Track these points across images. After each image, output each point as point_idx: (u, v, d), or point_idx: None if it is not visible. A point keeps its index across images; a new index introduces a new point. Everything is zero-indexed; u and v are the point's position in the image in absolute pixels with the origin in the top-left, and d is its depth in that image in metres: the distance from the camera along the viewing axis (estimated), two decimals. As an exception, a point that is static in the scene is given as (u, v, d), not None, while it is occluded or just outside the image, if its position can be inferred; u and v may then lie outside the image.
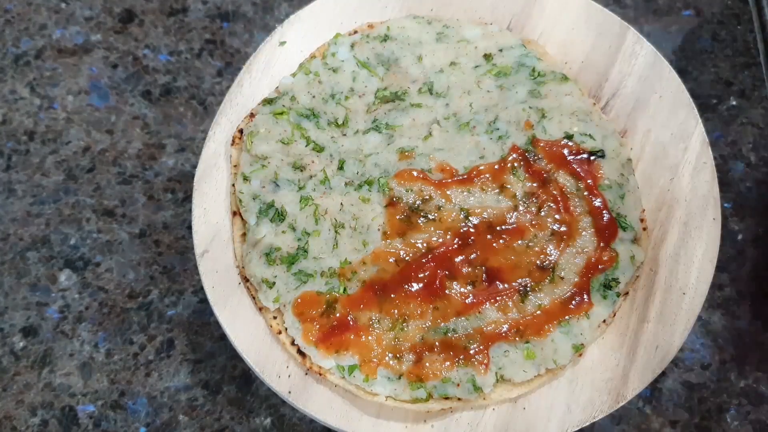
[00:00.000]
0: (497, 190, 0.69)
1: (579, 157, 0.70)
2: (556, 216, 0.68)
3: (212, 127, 0.72)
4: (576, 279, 0.66)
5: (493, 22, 0.77)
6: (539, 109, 0.71)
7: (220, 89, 0.90)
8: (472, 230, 0.68)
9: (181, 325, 0.78)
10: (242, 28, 0.93)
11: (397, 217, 0.68)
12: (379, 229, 0.68)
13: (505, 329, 0.64)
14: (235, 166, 0.71)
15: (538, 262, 0.67)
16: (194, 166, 0.83)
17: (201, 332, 0.78)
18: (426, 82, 0.74)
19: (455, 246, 0.67)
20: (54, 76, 0.90)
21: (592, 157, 0.70)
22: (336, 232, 0.68)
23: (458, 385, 0.62)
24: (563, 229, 0.68)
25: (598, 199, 0.69)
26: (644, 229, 0.69)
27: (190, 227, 0.77)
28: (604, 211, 0.68)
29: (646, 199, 0.70)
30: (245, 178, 0.69)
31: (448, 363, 0.63)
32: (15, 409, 0.75)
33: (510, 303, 0.65)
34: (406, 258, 0.66)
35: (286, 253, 0.67)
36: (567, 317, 0.65)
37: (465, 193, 0.69)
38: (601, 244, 0.67)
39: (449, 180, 0.69)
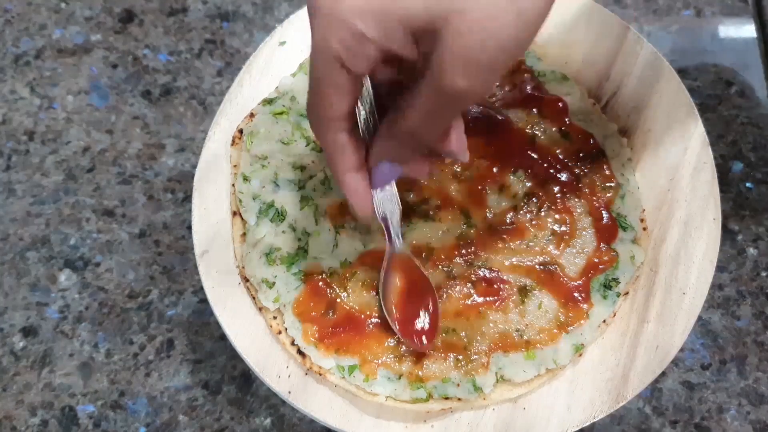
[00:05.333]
0: (497, 190, 0.69)
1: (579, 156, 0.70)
2: (556, 216, 0.68)
3: (212, 127, 0.72)
4: (576, 279, 0.66)
5: (493, 22, 0.77)
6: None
7: (220, 89, 0.90)
8: (472, 230, 0.68)
9: (181, 325, 0.78)
10: (242, 28, 0.93)
11: (397, 216, 0.68)
12: (378, 229, 0.68)
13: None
14: (235, 166, 0.71)
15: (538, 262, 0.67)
16: (194, 166, 0.83)
17: (201, 332, 0.78)
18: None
19: (455, 246, 0.67)
20: (54, 76, 0.90)
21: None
22: (336, 232, 0.68)
23: (458, 385, 0.62)
24: (563, 229, 0.68)
25: (598, 198, 0.69)
26: (644, 229, 0.69)
27: (190, 227, 0.77)
28: (604, 211, 0.68)
29: (646, 199, 0.70)
30: (245, 178, 0.69)
31: (448, 363, 0.63)
32: (15, 409, 0.75)
33: (510, 303, 0.65)
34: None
35: (286, 253, 0.67)
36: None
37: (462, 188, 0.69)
38: (602, 245, 0.67)
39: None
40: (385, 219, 0.61)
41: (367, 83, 0.51)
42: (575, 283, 0.66)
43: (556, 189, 0.69)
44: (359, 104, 0.52)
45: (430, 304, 0.63)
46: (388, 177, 0.55)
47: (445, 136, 0.52)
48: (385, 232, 0.62)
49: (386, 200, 0.59)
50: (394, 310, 0.63)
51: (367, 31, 0.43)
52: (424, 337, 0.62)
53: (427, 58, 0.44)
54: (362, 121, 0.52)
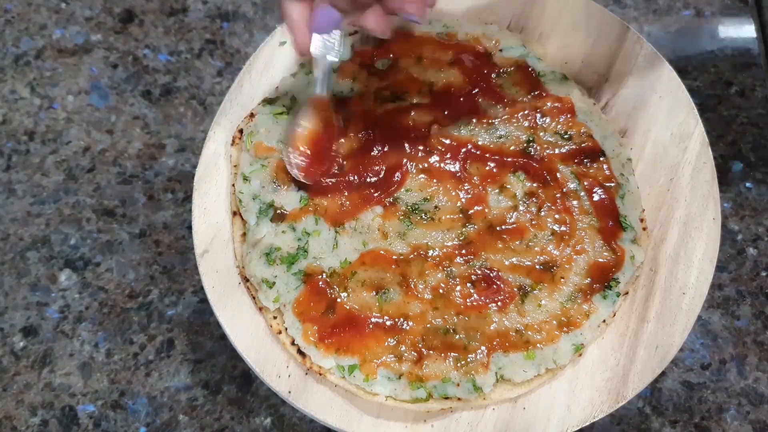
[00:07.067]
0: (497, 190, 0.69)
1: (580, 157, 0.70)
2: (556, 216, 0.68)
3: (212, 127, 0.72)
4: (576, 279, 0.66)
5: (493, 22, 0.77)
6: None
7: (220, 89, 0.90)
8: (472, 230, 0.68)
9: (181, 325, 0.78)
10: (242, 28, 0.93)
11: (398, 216, 0.68)
12: (379, 229, 0.68)
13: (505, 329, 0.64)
14: (235, 166, 0.71)
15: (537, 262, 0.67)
16: (194, 166, 0.83)
17: (201, 332, 0.78)
18: (426, 82, 0.73)
19: (455, 246, 0.67)
20: (54, 76, 0.90)
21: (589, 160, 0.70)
22: (336, 232, 0.68)
23: (458, 385, 0.62)
24: (563, 229, 0.68)
25: (597, 198, 0.69)
26: (644, 229, 0.69)
27: (190, 227, 0.77)
28: (606, 207, 0.68)
29: (646, 199, 0.70)
30: (245, 178, 0.69)
31: (448, 363, 0.63)
32: (15, 409, 0.75)
33: (510, 303, 0.65)
34: (407, 258, 0.67)
35: (286, 253, 0.67)
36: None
37: (463, 192, 0.69)
38: (606, 246, 0.67)
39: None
40: (320, 60, 0.64)
41: None
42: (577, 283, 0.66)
43: (556, 189, 0.69)
44: None
45: (334, 148, 0.68)
46: (329, 22, 0.58)
47: None
48: (315, 74, 0.66)
49: (329, 45, 0.62)
50: (301, 148, 0.67)
51: None
52: (313, 173, 0.67)
53: None
54: None
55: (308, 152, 0.67)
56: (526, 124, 0.71)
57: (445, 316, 0.65)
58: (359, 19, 0.57)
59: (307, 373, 0.64)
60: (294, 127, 0.67)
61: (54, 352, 0.77)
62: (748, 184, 0.84)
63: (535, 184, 0.69)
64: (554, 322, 0.65)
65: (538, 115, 0.71)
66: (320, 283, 0.66)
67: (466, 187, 0.69)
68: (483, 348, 0.63)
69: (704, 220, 0.68)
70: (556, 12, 0.76)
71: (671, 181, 0.70)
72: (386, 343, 0.64)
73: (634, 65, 0.74)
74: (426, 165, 0.70)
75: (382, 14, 0.58)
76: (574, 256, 0.67)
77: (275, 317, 0.66)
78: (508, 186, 0.69)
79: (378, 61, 0.74)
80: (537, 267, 0.66)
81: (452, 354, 0.63)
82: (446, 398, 0.63)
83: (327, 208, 0.68)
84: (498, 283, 0.66)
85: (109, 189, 0.84)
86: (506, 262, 0.67)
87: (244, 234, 0.69)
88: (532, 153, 0.70)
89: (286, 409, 0.75)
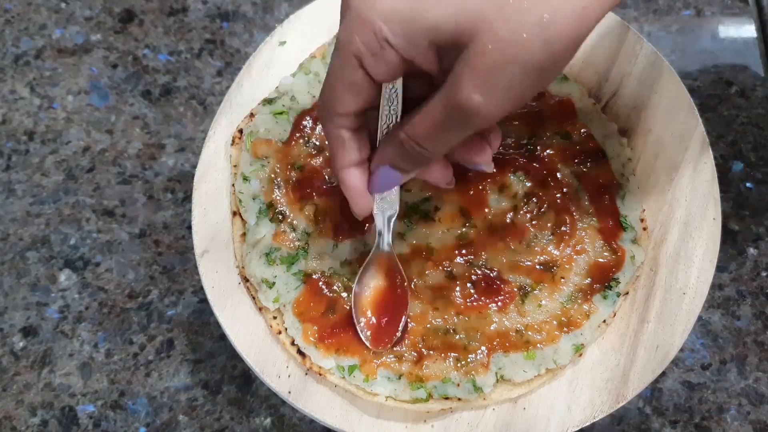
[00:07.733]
0: (497, 190, 0.69)
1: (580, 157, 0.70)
2: (556, 216, 0.68)
3: (212, 127, 0.72)
4: (576, 279, 0.66)
5: (493, 22, 0.77)
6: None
7: (220, 89, 0.90)
8: (472, 230, 0.68)
9: (181, 325, 0.78)
10: (242, 28, 0.93)
11: (397, 215, 0.68)
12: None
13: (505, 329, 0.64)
14: (235, 166, 0.71)
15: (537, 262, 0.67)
16: (194, 166, 0.83)
17: (201, 332, 0.78)
18: (426, 82, 0.74)
19: (455, 246, 0.67)
20: (54, 76, 0.90)
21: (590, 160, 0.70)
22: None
23: (458, 385, 0.62)
24: (563, 229, 0.68)
25: (597, 198, 0.69)
26: (644, 229, 0.69)
27: (190, 227, 0.77)
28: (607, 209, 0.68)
29: (646, 199, 0.70)
30: (245, 178, 0.69)
31: (448, 363, 0.63)
32: (15, 409, 0.75)
33: (510, 303, 0.65)
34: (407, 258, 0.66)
35: (286, 253, 0.67)
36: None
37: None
38: (606, 246, 0.67)
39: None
40: (379, 218, 0.61)
41: (399, 90, 0.51)
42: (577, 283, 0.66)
43: (556, 189, 0.69)
44: (387, 107, 0.52)
45: (404, 310, 0.64)
46: (389, 183, 0.55)
47: (472, 150, 0.54)
48: (377, 230, 0.63)
49: (386, 201, 0.60)
50: (369, 313, 0.63)
51: (390, 37, 0.44)
52: (387, 340, 0.63)
53: (445, 73, 0.45)
54: (384, 126, 0.53)
55: (376, 318, 0.63)
56: (526, 124, 0.71)
57: (445, 316, 0.65)
58: (420, 173, 0.55)
59: (307, 374, 0.64)
60: (360, 289, 0.64)
61: (54, 352, 0.77)
62: (748, 184, 0.84)
63: (535, 184, 0.69)
64: (554, 322, 0.65)
65: (538, 116, 0.71)
66: (320, 283, 0.66)
67: (466, 187, 0.69)
68: (483, 348, 0.63)
69: (704, 220, 0.68)
70: (556, 12, 0.76)
71: (671, 181, 0.70)
72: (386, 344, 0.64)
73: (634, 65, 0.74)
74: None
75: (447, 166, 0.56)
76: (575, 256, 0.67)
77: (275, 317, 0.66)
78: (508, 186, 0.69)
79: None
80: (537, 267, 0.66)
81: (452, 354, 0.63)
82: (446, 398, 0.63)
83: (327, 209, 0.68)
84: (498, 283, 0.66)
85: (108, 189, 0.84)
86: (506, 262, 0.66)
87: (244, 234, 0.68)
88: (532, 153, 0.70)
89: (286, 409, 0.75)
